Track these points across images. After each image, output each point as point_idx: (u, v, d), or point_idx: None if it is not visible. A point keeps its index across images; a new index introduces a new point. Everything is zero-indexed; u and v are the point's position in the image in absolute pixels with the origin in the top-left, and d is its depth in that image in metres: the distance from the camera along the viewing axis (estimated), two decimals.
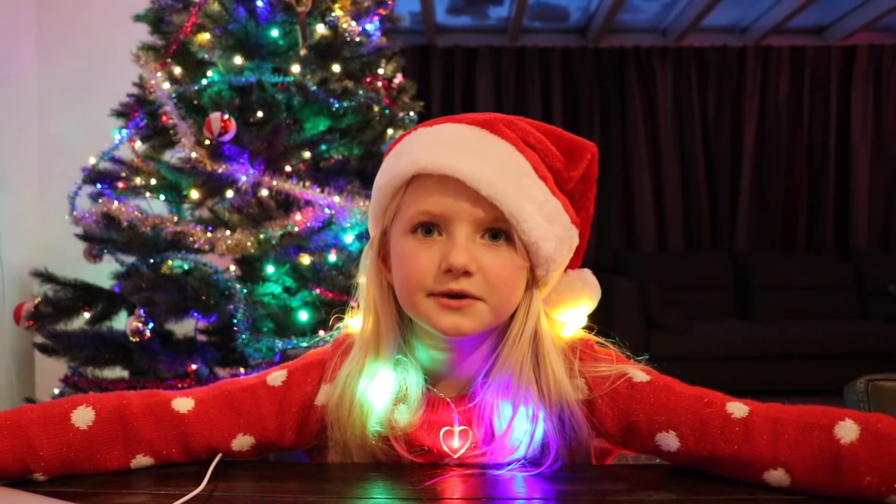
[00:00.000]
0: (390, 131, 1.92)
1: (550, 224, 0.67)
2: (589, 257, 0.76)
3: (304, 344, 1.59)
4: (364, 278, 0.74)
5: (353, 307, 0.77)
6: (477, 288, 0.66)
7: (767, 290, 4.34)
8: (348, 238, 1.76)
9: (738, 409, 0.64)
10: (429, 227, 0.67)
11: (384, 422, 0.71)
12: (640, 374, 0.69)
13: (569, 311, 0.73)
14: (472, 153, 0.66)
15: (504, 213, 0.65)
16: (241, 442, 0.71)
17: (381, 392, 0.71)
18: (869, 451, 0.58)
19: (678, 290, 4.26)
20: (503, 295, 0.67)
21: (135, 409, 0.68)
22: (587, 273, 0.75)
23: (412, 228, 0.68)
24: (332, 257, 1.76)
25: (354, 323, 0.77)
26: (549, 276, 0.69)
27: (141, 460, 0.68)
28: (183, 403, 0.70)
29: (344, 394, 0.71)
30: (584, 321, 0.75)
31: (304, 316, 1.71)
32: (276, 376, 0.74)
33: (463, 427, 0.71)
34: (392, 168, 0.69)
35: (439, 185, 0.66)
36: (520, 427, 0.69)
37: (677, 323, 3.92)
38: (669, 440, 0.66)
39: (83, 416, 0.66)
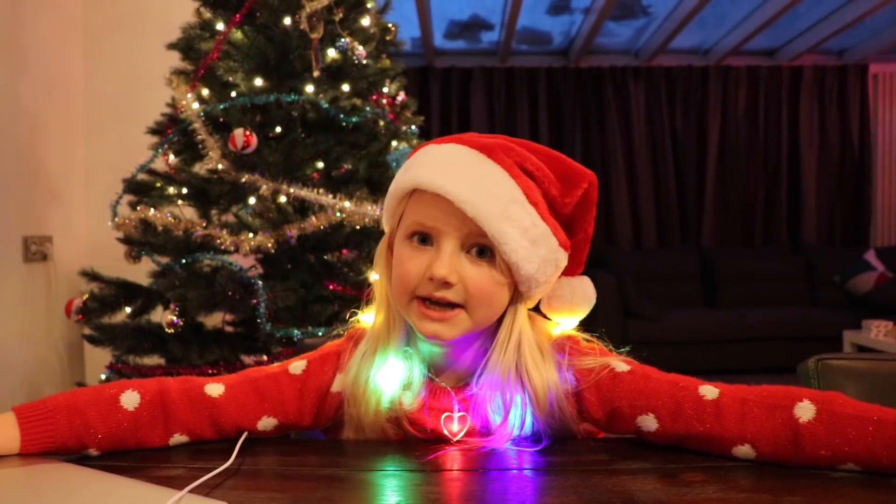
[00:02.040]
0: (394, 143, 1.91)
1: (535, 247, 0.66)
2: None
3: (320, 334, 1.59)
4: (377, 272, 0.74)
5: (365, 302, 0.77)
6: (457, 296, 0.65)
7: (730, 281, 4.34)
8: (358, 239, 1.76)
9: (709, 391, 0.64)
10: (424, 237, 0.67)
11: (394, 402, 0.70)
12: (621, 364, 0.68)
13: (565, 316, 0.72)
14: (465, 175, 0.65)
15: (487, 234, 0.63)
16: (266, 423, 0.71)
17: (390, 377, 0.70)
18: (823, 428, 0.59)
19: (652, 283, 4.26)
20: (481, 305, 0.66)
21: (173, 394, 0.68)
22: (585, 280, 0.74)
23: (409, 235, 0.67)
24: (345, 256, 1.75)
25: (366, 317, 0.77)
26: (532, 293, 0.68)
27: (178, 438, 0.69)
28: (214, 388, 0.70)
29: (358, 375, 0.71)
30: (575, 322, 0.74)
31: (319, 309, 1.70)
32: (297, 365, 0.73)
33: (462, 413, 0.70)
34: (400, 178, 0.69)
35: (434, 201, 0.65)
36: (511, 418, 0.68)
37: (652, 311, 3.91)
38: (649, 422, 0.65)
39: (131, 400, 0.67)
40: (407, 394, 0.70)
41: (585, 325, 0.74)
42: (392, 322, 0.72)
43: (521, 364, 0.68)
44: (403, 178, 0.68)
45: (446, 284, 0.64)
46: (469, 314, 0.66)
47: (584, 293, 0.73)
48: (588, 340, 0.72)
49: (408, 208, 0.68)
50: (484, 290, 0.66)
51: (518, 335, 0.68)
